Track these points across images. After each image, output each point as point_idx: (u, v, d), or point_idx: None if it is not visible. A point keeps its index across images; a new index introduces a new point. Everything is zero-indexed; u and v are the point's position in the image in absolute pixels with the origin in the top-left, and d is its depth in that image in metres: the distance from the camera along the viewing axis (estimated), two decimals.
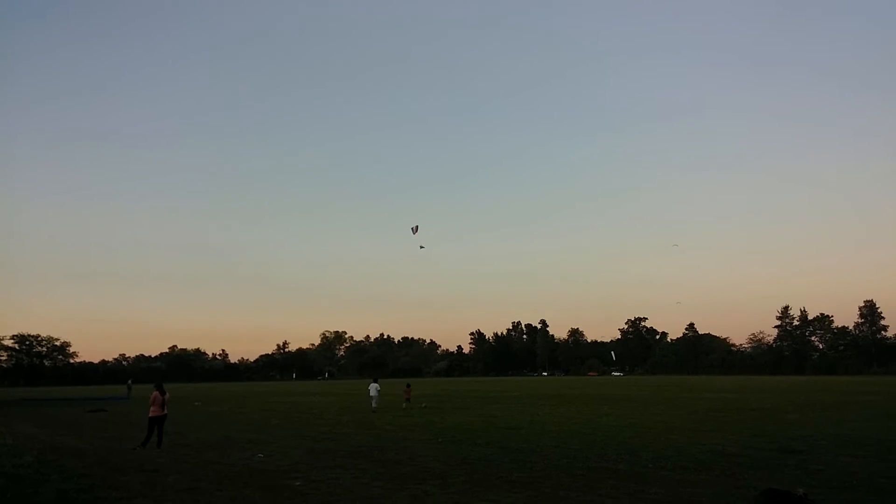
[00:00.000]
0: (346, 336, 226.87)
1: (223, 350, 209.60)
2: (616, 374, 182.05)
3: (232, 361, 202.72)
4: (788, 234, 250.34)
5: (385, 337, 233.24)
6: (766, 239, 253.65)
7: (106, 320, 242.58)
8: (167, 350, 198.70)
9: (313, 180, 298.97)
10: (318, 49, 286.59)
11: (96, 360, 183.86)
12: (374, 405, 35.02)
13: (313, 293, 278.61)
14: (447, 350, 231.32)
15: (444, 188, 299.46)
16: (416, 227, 45.11)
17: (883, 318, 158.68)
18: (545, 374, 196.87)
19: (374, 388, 35.96)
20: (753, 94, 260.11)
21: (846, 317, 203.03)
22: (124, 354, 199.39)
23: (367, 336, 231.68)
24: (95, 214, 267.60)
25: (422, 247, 46.87)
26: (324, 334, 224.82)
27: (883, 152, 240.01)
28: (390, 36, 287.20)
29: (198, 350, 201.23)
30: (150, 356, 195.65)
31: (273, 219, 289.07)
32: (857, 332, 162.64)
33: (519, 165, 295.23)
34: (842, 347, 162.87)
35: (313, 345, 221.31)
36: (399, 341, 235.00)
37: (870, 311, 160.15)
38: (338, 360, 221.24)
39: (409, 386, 43.42)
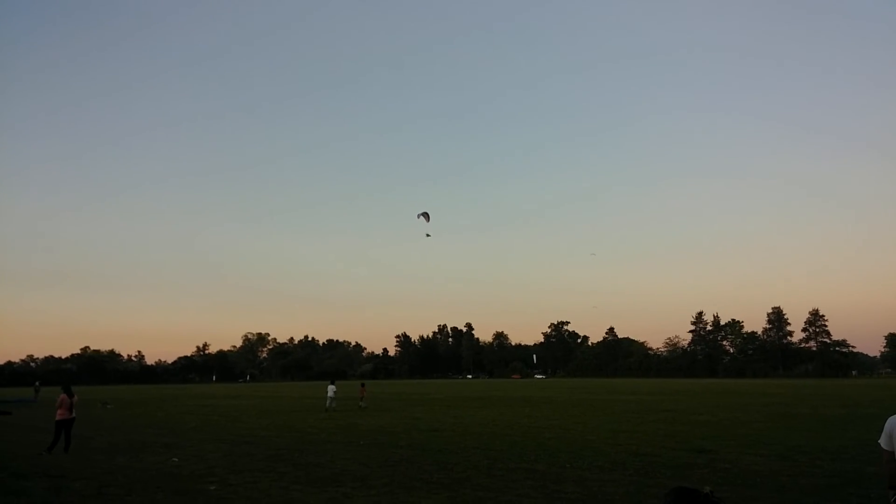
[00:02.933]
0: (269, 338, 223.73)
1: (139, 351, 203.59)
2: (539, 376, 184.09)
3: (148, 363, 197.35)
4: (702, 242, 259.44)
5: (309, 339, 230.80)
6: (681, 246, 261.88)
7: (12, 319, 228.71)
8: (79, 351, 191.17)
9: (236, 176, 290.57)
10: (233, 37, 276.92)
11: (1, 361, 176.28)
12: (329, 405, 36.81)
13: (235, 293, 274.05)
14: (373, 352, 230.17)
15: (373, 190, 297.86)
16: (427, 214, 43.06)
17: (789, 323, 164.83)
18: (470, 376, 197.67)
19: (331, 389, 38.03)
20: (667, 95, 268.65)
21: (755, 322, 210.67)
22: (32, 355, 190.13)
23: (291, 338, 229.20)
24: None
25: (428, 235, 45.35)
26: (246, 336, 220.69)
27: (795, 161, 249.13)
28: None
29: (112, 351, 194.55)
30: (60, 357, 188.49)
31: (193, 215, 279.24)
32: (765, 337, 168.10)
33: (448, 173, 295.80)
34: (751, 352, 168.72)
35: (235, 346, 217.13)
36: (324, 343, 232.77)
37: (777, 318, 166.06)
38: (260, 362, 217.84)
39: (363, 385, 43.98)
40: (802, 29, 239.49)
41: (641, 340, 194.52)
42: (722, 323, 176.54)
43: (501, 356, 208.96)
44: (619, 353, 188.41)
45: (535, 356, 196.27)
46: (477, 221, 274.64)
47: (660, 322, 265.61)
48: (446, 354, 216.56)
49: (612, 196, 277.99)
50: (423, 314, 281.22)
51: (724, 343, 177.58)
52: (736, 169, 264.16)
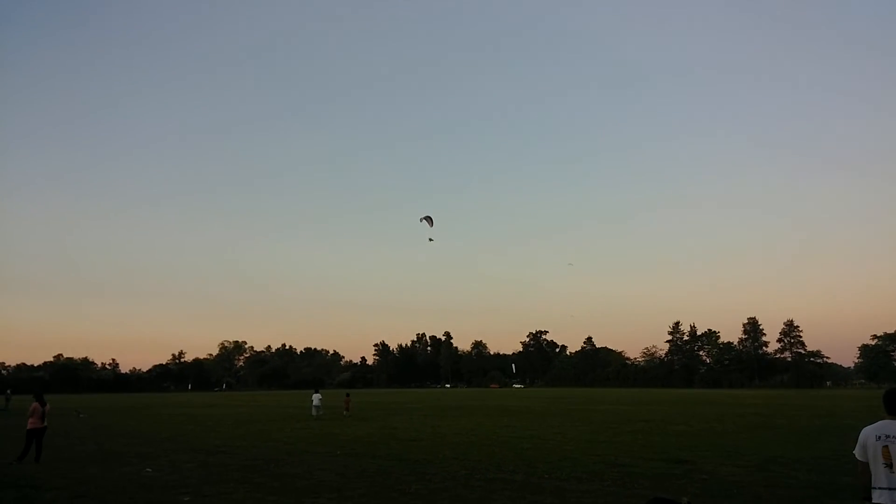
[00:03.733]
0: (246, 346, 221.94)
1: (113, 359, 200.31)
2: (517, 385, 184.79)
3: (123, 371, 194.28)
4: (680, 252, 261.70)
5: (287, 347, 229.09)
6: (658, 257, 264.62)
7: None
8: (51, 359, 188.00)
9: (213, 181, 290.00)
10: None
11: None
12: (315, 413, 38.01)
13: (212, 301, 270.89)
14: (350, 361, 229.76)
15: (353, 198, 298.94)
16: (430, 218, 42.94)
17: (764, 334, 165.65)
18: (448, 385, 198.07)
19: (316, 397, 39.39)
20: (649, 99, 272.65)
21: (731, 333, 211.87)
22: (3, 363, 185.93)
23: (269, 346, 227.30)
24: None
25: (431, 239, 45.10)
26: (222, 344, 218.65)
27: (771, 170, 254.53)
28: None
29: (86, 359, 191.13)
30: (32, 365, 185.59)
31: (169, 221, 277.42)
32: (741, 347, 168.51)
33: (424, 179, 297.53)
34: (727, 362, 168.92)
35: (211, 355, 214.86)
36: (301, 352, 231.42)
37: (752, 328, 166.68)
38: (237, 370, 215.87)
39: (348, 395, 44.37)
40: (774, 44, 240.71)
41: (619, 350, 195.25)
42: (698, 333, 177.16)
43: (480, 365, 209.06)
44: (597, 362, 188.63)
45: (513, 365, 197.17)
46: (455, 231, 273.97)
47: (637, 332, 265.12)
48: (425, 363, 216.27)
49: (590, 207, 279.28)
50: (402, 323, 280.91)
51: (701, 353, 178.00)
52: (712, 182, 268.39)
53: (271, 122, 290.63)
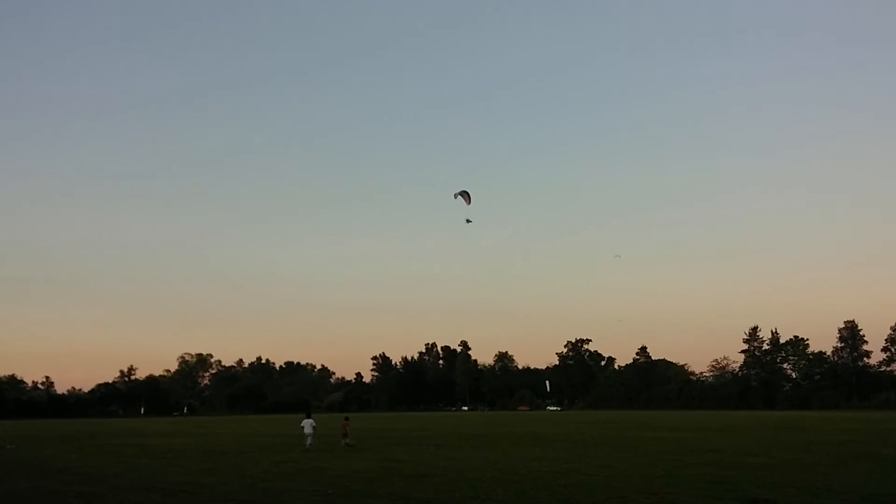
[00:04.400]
0: (213, 360, 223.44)
1: (47, 377, 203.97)
2: (552, 408, 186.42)
3: (59, 392, 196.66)
4: (758, 241, 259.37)
5: (263, 362, 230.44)
6: (731, 247, 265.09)
7: None
8: None
9: (168, 159, 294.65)
10: None
11: None
12: (307, 443, 38.35)
13: (169, 305, 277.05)
14: (343, 378, 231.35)
15: (339, 179, 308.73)
16: (467, 193, 46.40)
17: (866, 342, 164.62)
18: (466, 408, 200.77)
19: (308, 424, 39.49)
20: (721, 60, 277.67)
21: (823, 340, 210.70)
22: None
23: (240, 360, 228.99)
24: None
25: (469, 220, 48.82)
26: (183, 358, 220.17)
27: (876, 157, 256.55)
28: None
29: (13, 377, 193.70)
30: None
31: (114, 207, 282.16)
32: (836, 358, 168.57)
33: (436, 153, 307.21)
34: (818, 377, 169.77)
35: (169, 371, 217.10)
36: (281, 367, 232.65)
37: (850, 335, 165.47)
38: (201, 390, 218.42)
39: (347, 419, 44.59)
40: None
41: (681, 363, 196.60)
42: (782, 341, 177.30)
43: (505, 383, 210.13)
44: (653, 378, 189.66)
45: (547, 383, 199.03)
46: (475, 217, 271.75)
47: (704, 340, 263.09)
48: (436, 381, 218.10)
49: (642, 186, 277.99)
50: (408, 330, 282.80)
51: (785, 366, 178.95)
52: (798, 158, 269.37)
53: (243, 88, 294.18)
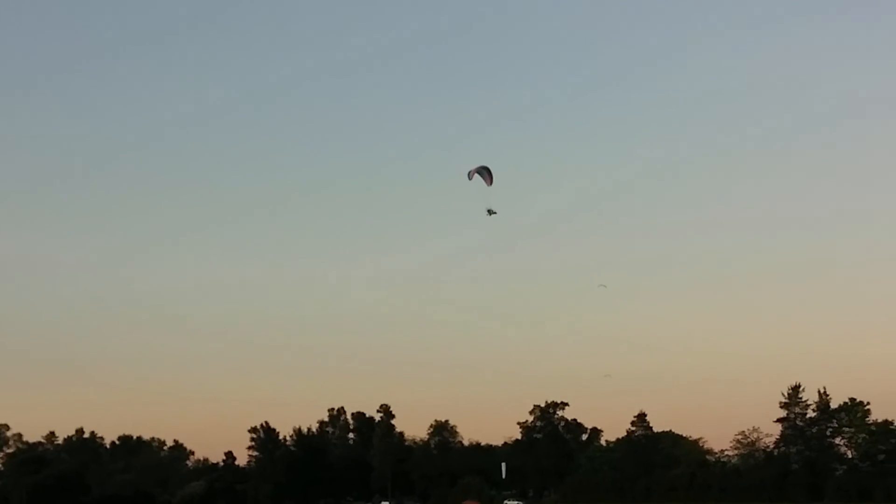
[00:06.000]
0: (9, 434, 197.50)
1: None
2: (512, 502, 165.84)
3: None
4: (797, 271, 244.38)
5: (86, 437, 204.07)
6: (761, 279, 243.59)
7: None
8: None
9: None
10: None
11: None
12: None
13: None
14: (207, 460, 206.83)
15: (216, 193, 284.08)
16: (488, 172, 46.57)
17: None
18: (387, 503, 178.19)
19: None
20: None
21: (890, 405, 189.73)
22: None
23: (51, 434, 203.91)
24: None
25: (492, 212, 47.71)
26: None
27: None
28: None
29: None
30: None
31: None
32: None
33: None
34: (883, 456, 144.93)
35: None
36: (114, 444, 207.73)
37: None
38: None
39: None
40: None
41: (694, 437, 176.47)
42: (833, 406, 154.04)
43: (445, 465, 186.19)
44: (655, 459, 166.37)
45: (504, 466, 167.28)
46: (401, 230, 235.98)
47: (726, 405, 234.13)
48: (344, 462, 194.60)
49: (638, 195, 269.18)
50: (303, 390, 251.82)
51: (838, 441, 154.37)
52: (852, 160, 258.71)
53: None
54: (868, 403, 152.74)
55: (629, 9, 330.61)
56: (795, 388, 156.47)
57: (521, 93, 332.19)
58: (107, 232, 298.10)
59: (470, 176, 46.24)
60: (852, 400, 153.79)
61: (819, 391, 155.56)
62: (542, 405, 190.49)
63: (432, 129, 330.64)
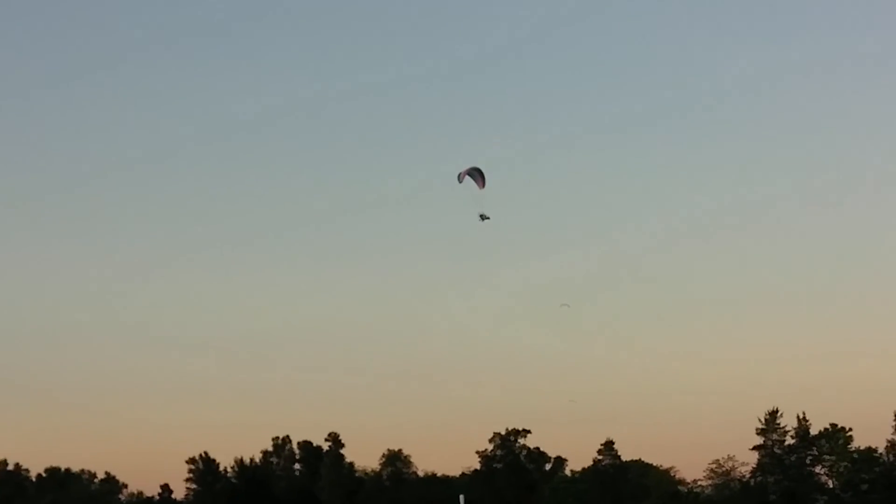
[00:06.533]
0: None
1: None
2: None
3: None
4: (777, 288, 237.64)
5: (10, 468, 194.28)
6: (736, 295, 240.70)
7: None
8: None
9: None
10: None
11: None
12: None
13: None
14: (141, 494, 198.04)
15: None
16: (480, 173, 46.20)
17: None
18: None
19: None
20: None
21: (873, 431, 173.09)
22: None
23: None
24: None
25: (484, 217, 46.61)
26: None
27: None
28: None
29: None
30: None
31: None
32: (893, 457, 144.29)
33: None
34: (865, 486, 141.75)
35: None
36: (40, 476, 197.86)
37: None
38: None
39: None
40: None
41: (665, 466, 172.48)
42: (813, 432, 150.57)
43: (398, 498, 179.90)
44: (623, 489, 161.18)
45: (462, 498, 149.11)
46: (348, 234, 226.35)
47: (698, 431, 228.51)
48: (290, 494, 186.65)
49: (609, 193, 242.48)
50: (244, 418, 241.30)
51: (818, 470, 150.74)
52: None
53: None
54: (850, 430, 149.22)
55: None
56: (773, 414, 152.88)
57: None
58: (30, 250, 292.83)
59: (460, 178, 44.79)
60: (833, 426, 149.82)
61: (798, 416, 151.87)
62: (503, 433, 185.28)
63: None
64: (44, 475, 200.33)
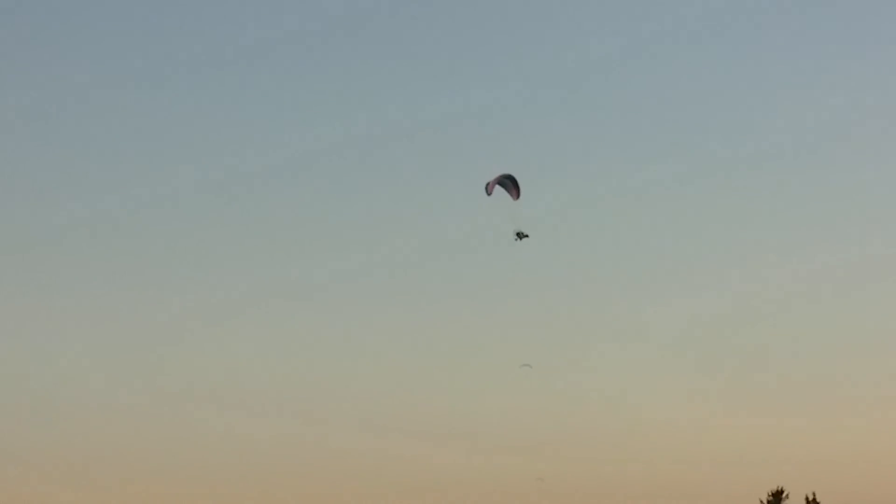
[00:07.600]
0: None
1: None
2: None
3: None
4: (771, 364, 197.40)
5: None
6: (734, 367, 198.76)
7: None
8: None
9: None
10: None
11: None
12: None
13: None
14: None
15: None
16: (511, 180, 42.01)
17: None
18: None
19: None
20: None
21: None
22: None
23: None
24: None
25: (522, 236, 43.46)
26: None
27: None
28: None
29: None
30: None
31: None
32: None
33: None
34: None
35: None
36: None
37: None
38: None
39: None
40: None
41: None
42: None
43: None
44: None
45: None
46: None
47: None
48: None
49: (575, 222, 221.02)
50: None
51: None
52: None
53: None
54: None
55: None
56: (777, 495, 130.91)
57: None
58: None
59: (488, 190, 39.42)
60: None
61: (807, 497, 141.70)
62: None
63: None
64: None
